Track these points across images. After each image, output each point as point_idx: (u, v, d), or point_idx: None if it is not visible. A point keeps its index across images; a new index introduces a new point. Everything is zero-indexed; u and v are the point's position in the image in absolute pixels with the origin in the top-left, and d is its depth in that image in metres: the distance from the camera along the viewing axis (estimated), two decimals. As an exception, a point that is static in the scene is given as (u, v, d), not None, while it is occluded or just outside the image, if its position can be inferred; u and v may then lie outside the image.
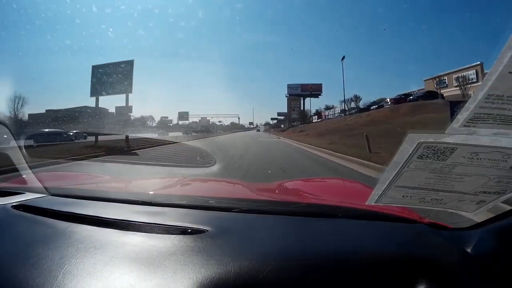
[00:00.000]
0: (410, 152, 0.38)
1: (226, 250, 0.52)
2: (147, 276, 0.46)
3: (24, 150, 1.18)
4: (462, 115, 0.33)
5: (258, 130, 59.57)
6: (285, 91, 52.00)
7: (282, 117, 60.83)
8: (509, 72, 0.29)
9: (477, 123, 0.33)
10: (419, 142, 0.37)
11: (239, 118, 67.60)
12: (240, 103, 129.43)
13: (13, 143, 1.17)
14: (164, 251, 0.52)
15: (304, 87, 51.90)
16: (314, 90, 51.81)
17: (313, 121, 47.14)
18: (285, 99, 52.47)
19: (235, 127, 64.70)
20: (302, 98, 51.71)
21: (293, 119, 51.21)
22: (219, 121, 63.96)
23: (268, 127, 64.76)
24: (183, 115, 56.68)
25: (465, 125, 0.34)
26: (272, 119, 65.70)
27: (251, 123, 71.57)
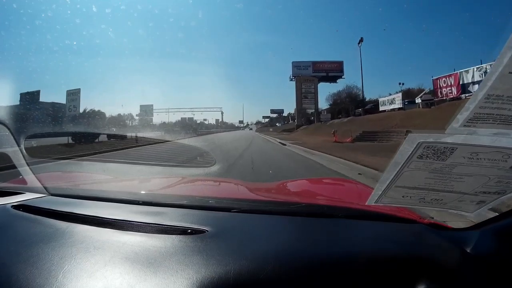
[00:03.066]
0: (410, 152, 0.38)
1: (226, 250, 0.52)
2: (147, 276, 0.46)
3: (24, 150, 1.18)
4: (462, 115, 0.33)
5: (250, 129, 54.02)
6: (279, 87, 36.94)
7: (275, 115, 53.95)
8: (509, 72, 0.29)
9: (477, 123, 0.33)
10: (419, 142, 0.37)
11: (222, 113, 54.99)
12: (228, 100, 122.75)
13: (13, 143, 1.17)
14: (164, 251, 0.52)
15: (317, 65, 32.86)
16: (332, 70, 32.83)
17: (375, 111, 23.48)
18: (277, 98, 39.10)
19: (221, 126, 55.15)
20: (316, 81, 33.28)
21: (304, 113, 34.18)
22: (204, 119, 55.49)
23: (261, 125, 59.03)
24: (145, 110, 41.73)
25: (465, 125, 0.34)
26: (264, 117, 59.61)
27: (241, 122, 63.99)
